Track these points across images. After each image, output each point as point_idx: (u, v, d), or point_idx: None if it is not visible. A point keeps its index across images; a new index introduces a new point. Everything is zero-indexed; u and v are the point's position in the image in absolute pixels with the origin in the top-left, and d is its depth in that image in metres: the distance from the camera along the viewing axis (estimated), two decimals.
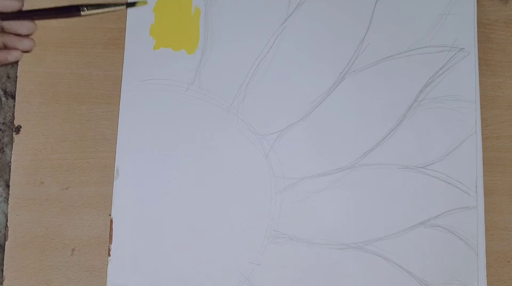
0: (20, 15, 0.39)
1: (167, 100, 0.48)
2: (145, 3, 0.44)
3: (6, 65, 0.41)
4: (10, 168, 0.48)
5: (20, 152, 0.48)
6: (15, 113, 0.48)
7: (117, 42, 0.49)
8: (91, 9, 0.41)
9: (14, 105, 0.48)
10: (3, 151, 0.49)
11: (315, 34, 0.50)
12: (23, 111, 0.48)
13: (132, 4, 0.44)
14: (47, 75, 0.49)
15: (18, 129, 0.48)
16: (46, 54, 0.49)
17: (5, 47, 0.39)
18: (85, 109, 0.49)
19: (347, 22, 0.50)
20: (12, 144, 0.48)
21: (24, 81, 0.49)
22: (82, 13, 0.40)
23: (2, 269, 0.46)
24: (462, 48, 0.50)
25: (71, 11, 0.40)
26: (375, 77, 0.49)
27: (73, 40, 0.49)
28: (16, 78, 0.49)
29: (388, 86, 0.49)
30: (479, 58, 0.50)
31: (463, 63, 0.49)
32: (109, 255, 0.46)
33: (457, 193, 0.48)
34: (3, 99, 0.49)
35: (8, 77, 0.49)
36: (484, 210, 0.48)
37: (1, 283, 0.46)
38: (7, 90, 0.49)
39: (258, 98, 0.49)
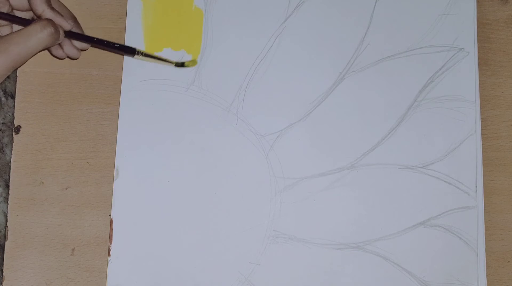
0: (84, 38, 0.44)
1: (167, 100, 0.48)
2: (194, 63, 0.48)
3: (55, 57, 0.46)
4: (10, 168, 0.48)
5: (20, 152, 0.48)
6: (15, 113, 0.48)
7: (117, 42, 0.49)
8: (143, 55, 0.46)
9: (14, 105, 0.48)
10: (3, 151, 0.49)
11: (315, 34, 0.50)
12: (23, 111, 0.48)
13: (181, 64, 0.48)
14: (47, 75, 0.49)
15: (18, 129, 0.48)
16: (46, 54, 0.49)
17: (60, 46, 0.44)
18: (85, 109, 0.49)
19: (347, 22, 0.50)
20: (12, 144, 0.48)
21: (24, 81, 0.49)
22: (135, 56, 0.46)
23: (2, 269, 0.46)
24: (462, 48, 0.50)
25: (127, 50, 0.46)
26: (375, 77, 0.49)
27: None
28: (16, 78, 0.49)
29: (388, 86, 0.49)
30: (479, 58, 0.50)
31: (463, 63, 0.49)
32: (109, 255, 0.46)
33: (457, 193, 0.48)
34: (3, 99, 0.49)
35: (8, 77, 0.49)
36: (484, 210, 0.48)
37: (1, 283, 0.46)
38: (7, 90, 0.49)
39: (258, 98, 0.49)
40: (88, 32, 0.45)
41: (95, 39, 0.44)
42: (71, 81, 0.49)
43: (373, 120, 0.49)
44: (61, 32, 0.42)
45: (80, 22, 0.45)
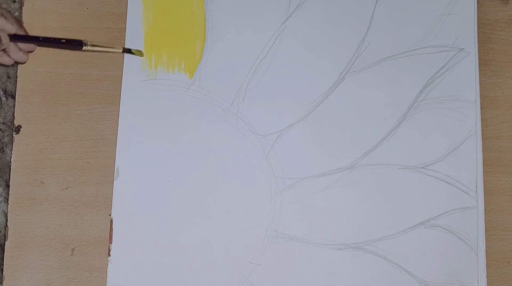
0: (29, 39, 0.42)
1: (167, 100, 0.48)
2: (141, 54, 0.48)
3: (2, 65, 0.44)
4: (10, 168, 0.48)
5: (20, 152, 0.48)
6: (15, 113, 0.48)
7: (117, 42, 0.49)
8: (92, 45, 0.44)
9: (14, 105, 0.48)
10: (3, 151, 0.49)
11: (315, 34, 0.50)
12: (23, 111, 0.48)
13: (128, 51, 0.47)
14: (47, 75, 0.49)
15: (18, 129, 0.48)
16: (46, 54, 0.49)
17: (5, 52, 0.42)
18: (85, 109, 0.49)
19: (348, 22, 0.50)
20: (12, 144, 0.48)
21: (24, 81, 0.49)
22: (84, 47, 0.44)
23: (2, 269, 0.46)
24: (462, 49, 0.50)
25: (74, 44, 0.43)
26: (375, 77, 0.49)
27: None
28: (16, 78, 0.49)
29: (388, 86, 0.49)
30: (479, 59, 0.50)
31: (463, 63, 0.49)
32: (109, 255, 0.46)
33: (457, 193, 0.48)
34: (3, 99, 0.49)
35: (8, 77, 0.49)
36: (484, 210, 0.48)
37: (1, 283, 0.46)
38: (7, 90, 0.49)
39: (258, 98, 0.49)
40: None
41: (40, 38, 0.42)
42: (71, 81, 0.49)
43: (374, 120, 0.49)
44: (4, 36, 0.40)
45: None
